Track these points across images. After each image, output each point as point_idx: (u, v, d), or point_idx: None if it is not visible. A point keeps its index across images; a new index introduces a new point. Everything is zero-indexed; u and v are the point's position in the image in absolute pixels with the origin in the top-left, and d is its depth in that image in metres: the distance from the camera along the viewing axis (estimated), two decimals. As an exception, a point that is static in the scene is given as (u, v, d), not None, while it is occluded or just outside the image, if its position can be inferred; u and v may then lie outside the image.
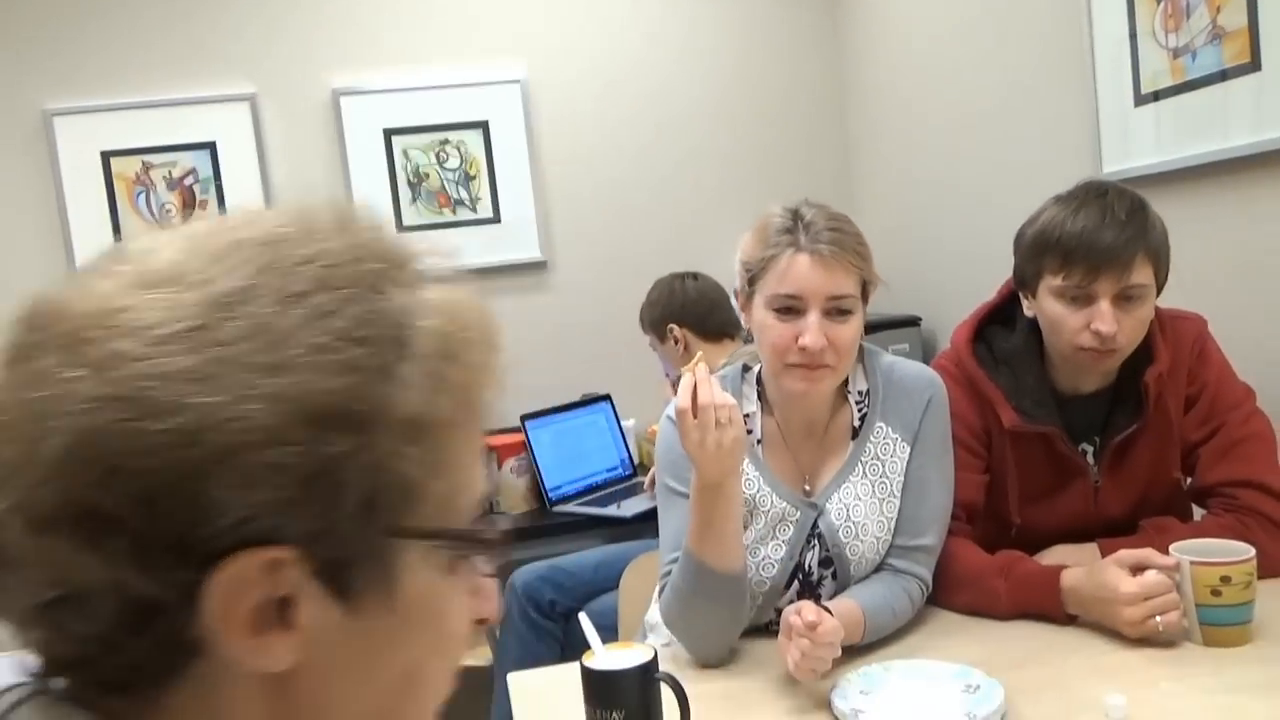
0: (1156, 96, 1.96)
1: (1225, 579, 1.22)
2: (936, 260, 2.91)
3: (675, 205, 3.35)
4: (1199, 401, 1.48)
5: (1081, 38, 2.13)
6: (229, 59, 3.11)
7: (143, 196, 3.07)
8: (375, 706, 0.50)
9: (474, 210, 3.23)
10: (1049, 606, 1.34)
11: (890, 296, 2.90)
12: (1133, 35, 1.99)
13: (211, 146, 3.09)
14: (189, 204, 3.09)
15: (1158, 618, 1.22)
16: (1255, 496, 1.41)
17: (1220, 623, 1.23)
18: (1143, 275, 1.37)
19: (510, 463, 2.72)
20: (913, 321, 2.95)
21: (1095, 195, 1.39)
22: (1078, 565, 1.35)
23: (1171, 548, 1.28)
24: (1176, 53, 1.88)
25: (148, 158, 3.07)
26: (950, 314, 2.88)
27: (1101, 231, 1.34)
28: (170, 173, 3.08)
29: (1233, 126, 1.77)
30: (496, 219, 3.24)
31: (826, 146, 3.44)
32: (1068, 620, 1.33)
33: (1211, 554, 1.24)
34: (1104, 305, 1.36)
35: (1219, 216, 1.83)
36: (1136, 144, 2.02)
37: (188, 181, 3.09)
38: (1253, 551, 1.25)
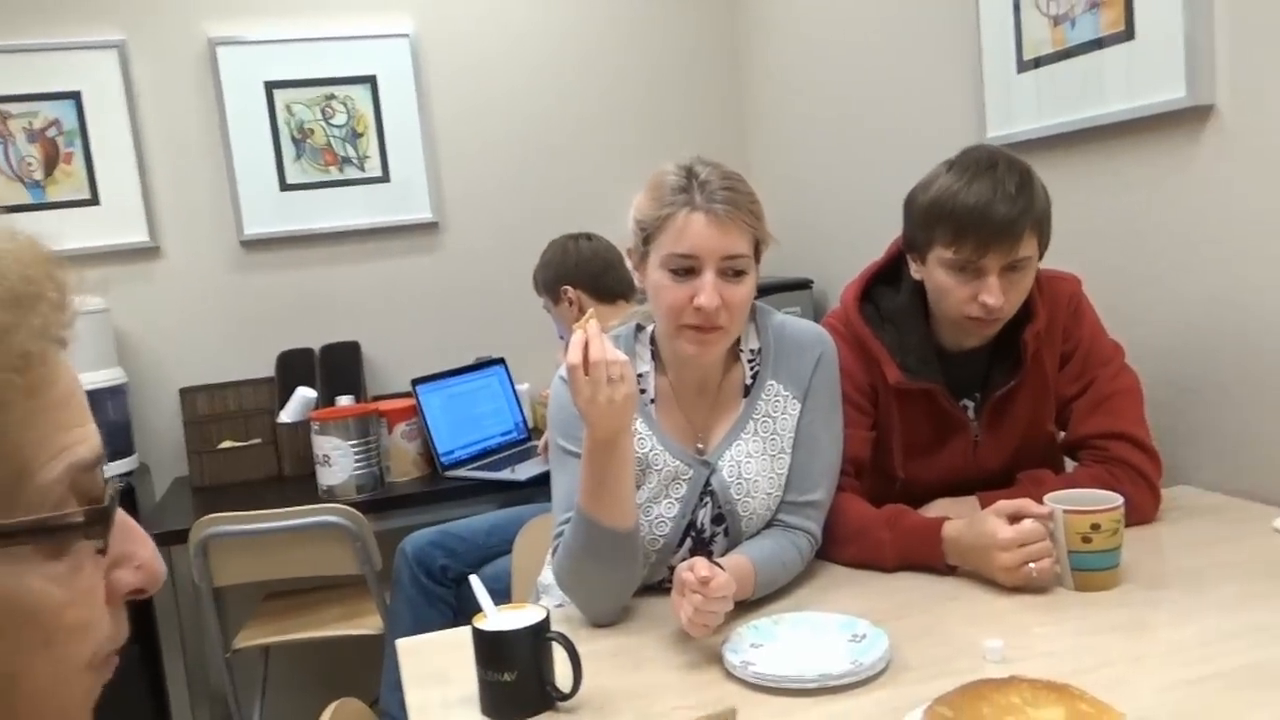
0: (1038, 63, 2.01)
1: (1096, 526, 1.27)
2: (828, 224, 2.95)
3: (569, 166, 3.31)
4: (1073, 358, 1.54)
5: (968, 5, 2.17)
6: (96, 2, 2.92)
7: (1, 149, 2.87)
8: None
9: (362, 169, 3.12)
10: (931, 556, 1.38)
11: (782, 259, 2.94)
12: (1017, 3, 2.03)
13: (76, 96, 2.90)
14: (52, 158, 2.91)
15: (1031, 564, 1.27)
16: (1123, 448, 1.49)
17: (1090, 568, 1.28)
18: (1029, 248, 1.42)
19: (400, 427, 2.66)
20: (804, 284, 2.99)
21: (986, 167, 1.41)
22: (958, 517, 1.39)
23: (1046, 497, 1.33)
24: (1057, 20, 1.93)
25: (6, 107, 2.86)
26: (841, 277, 2.92)
27: (993, 207, 1.37)
28: (31, 124, 2.88)
29: (1108, 93, 1.83)
30: (385, 178, 3.14)
31: (721, 109, 3.44)
32: (948, 571, 1.38)
33: (1083, 503, 1.30)
34: (992, 280, 1.41)
35: (1094, 180, 1.89)
36: (1019, 109, 2.07)
37: (50, 134, 2.90)
38: (1121, 500, 1.31)
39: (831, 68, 2.86)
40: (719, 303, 1.29)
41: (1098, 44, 1.84)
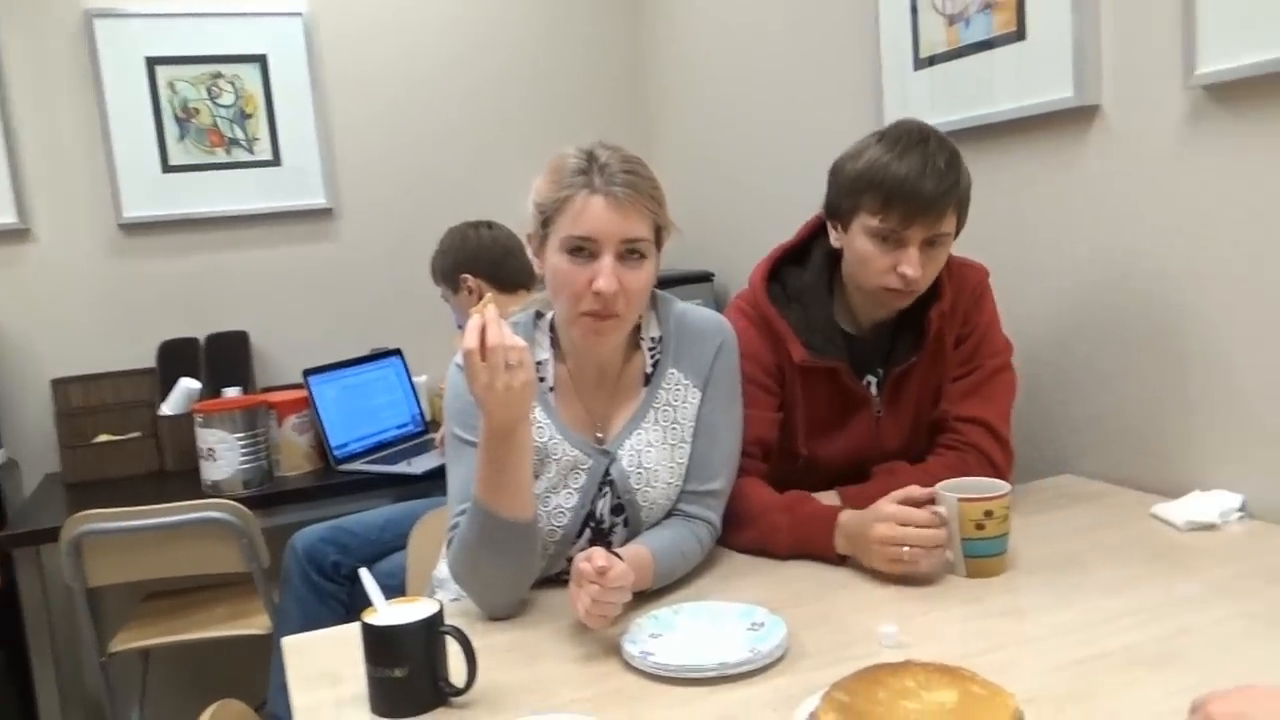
0: (932, 61, 2.05)
1: (989, 513, 1.30)
2: (730, 217, 2.97)
3: (469, 153, 3.25)
4: (966, 342, 1.59)
5: (868, 3, 2.20)
6: (-41, -32, 2.74)
7: None
8: None
9: (251, 151, 3.00)
10: (823, 544, 1.39)
11: (684, 252, 2.94)
12: (914, 3, 2.07)
13: (-62, 68, 2.72)
14: (-90, 132, 2.72)
15: (905, 548, 1.28)
16: (980, 434, 1.54)
17: (982, 554, 1.31)
18: (950, 224, 1.46)
19: (291, 420, 2.57)
20: (705, 277, 3.00)
21: (917, 141, 1.43)
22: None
23: (939, 487, 1.35)
24: (952, 20, 1.97)
25: None
26: (741, 270, 2.94)
27: (923, 180, 1.39)
28: (-114, 96, 2.69)
29: (1000, 92, 1.87)
30: (276, 162, 3.03)
31: (623, 103, 3.43)
32: (840, 561, 1.39)
33: (975, 491, 1.32)
34: (912, 251, 1.43)
35: (987, 176, 1.93)
36: (914, 107, 2.11)
37: (-90, 107, 2.72)
38: (1009, 487, 1.34)
39: (734, 62, 2.87)
40: (617, 287, 1.27)
41: (990, 44, 1.88)
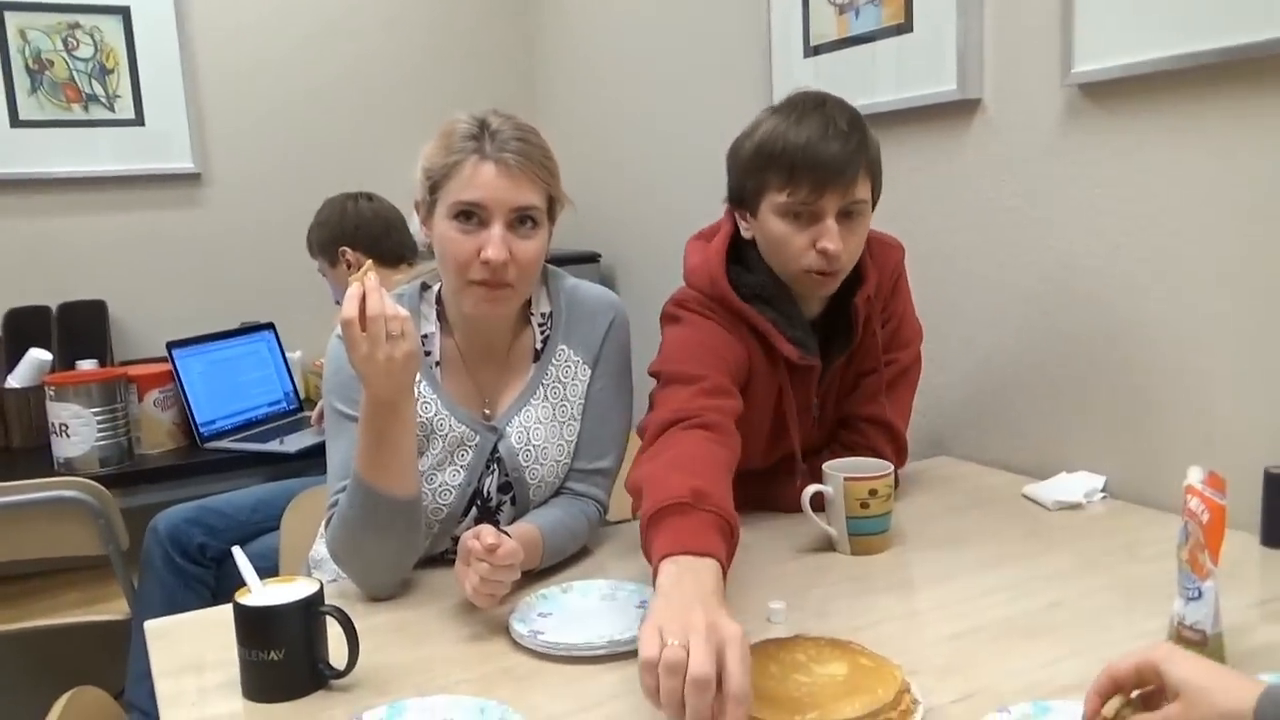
0: (820, 50, 2.08)
1: (873, 492, 1.32)
2: (618, 198, 2.95)
3: (349, 122, 3.14)
4: (883, 330, 1.51)
5: (759, -13, 2.22)
6: None
7: None
8: None
9: (111, 109, 2.82)
10: (657, 549, 1.01)
11: (571, 231, 2.91)
12: (806, -10, 2.09)
13: None
14: None
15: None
16: (881, 437, 1.51)
17: (866, 532, 1.34)
18: (864, 190, 1.34)
19: (153, 395, 2.43)
20: (593, 258, 2.99)
21: (814, 105, 1.33)
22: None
23: (825, 466, 1.36)
24: (842, 9, 2.00)
25: None
26: (629, 251, 2.95)
27: (827, 143, 1.29)
28: None
29: (885, 82, 1.91)
30: (139, 121, 2.86)
31: (511, 78, 3.37)
32: (653, 567, 1.02)
33: (859, 470, 1.35)
34: (830, 223, 1.32)
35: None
36: (803, 94, 2.14)
37: None
38: (892, 467, 1.37)
39: (624, 44, 2.85)
40: (507, 256, 1.23)
41: (878, 35, 1.92)
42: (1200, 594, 0.95)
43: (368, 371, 1.13)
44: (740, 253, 1.43)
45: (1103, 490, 1.53)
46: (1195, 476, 0.97)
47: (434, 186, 1.27)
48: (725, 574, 0.97)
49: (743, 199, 1.39)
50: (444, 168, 1.25)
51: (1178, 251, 1.45)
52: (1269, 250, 1.33)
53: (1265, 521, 1.30)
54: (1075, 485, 1.53)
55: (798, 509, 1.35)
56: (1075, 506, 1.49)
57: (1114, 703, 0.79)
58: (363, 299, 1.12)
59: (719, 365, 1.33)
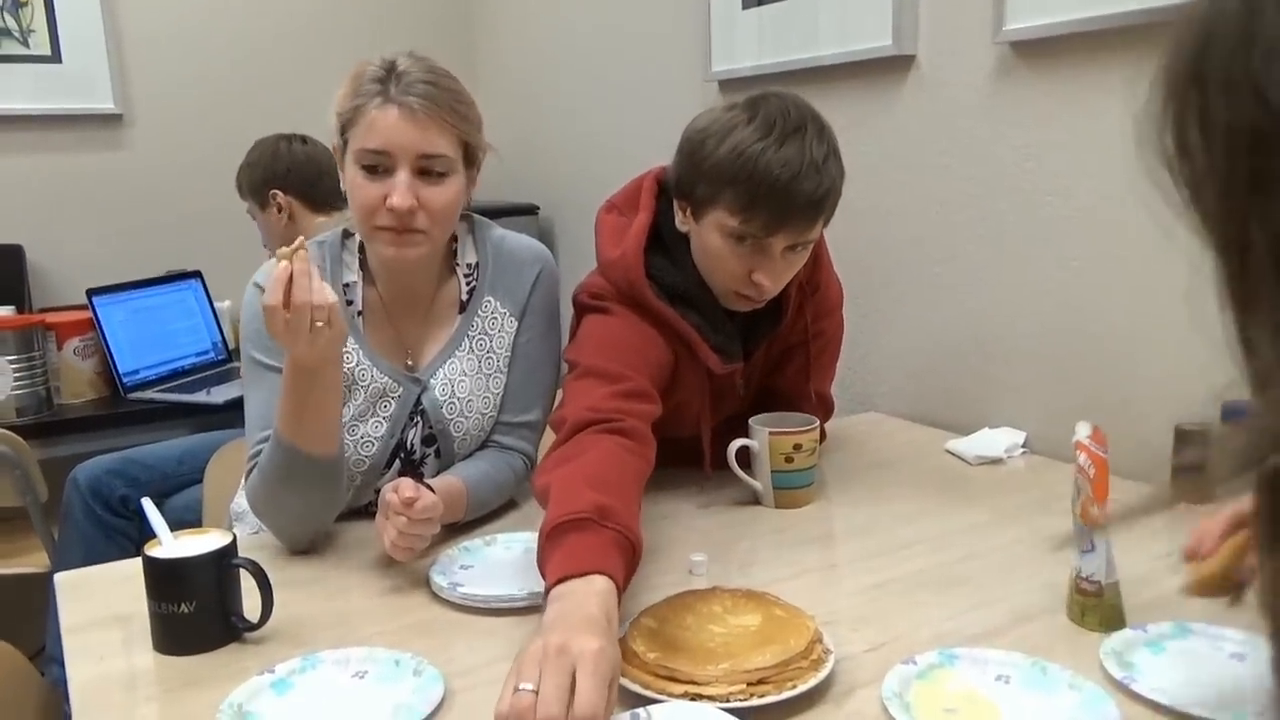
0: (760, 2, 2.05)
1: (797, 446, 1.33)
2: (556, 150, 2.91)
3: (281, 58, 3.03)
4: (810, 301, 1.44)
5: (699, -64, 2.18)
6: None
7: None
8: None
9: (26, 44, 2.70)
10: (551, 570, 0.93)
11: (509, 183, 2.87)
12: (745, -61, 2.06)
13: None
14: None
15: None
16: (805, 405, 1.45)
17: (790, 486, 1.35)
18: (817, 230, 1.25)
19: (73, 343, 2.35)
20: (530, 210, 2.95)
21: (794, 129, 1.19)
22: None
23: (750, 421, 1.37)
24: (780, -41, 1.98)
25: None
26: (567, 203, 2.92)
27: (798, 183, 1.17)
28: None
29: (823, 37, 1.90)
30: (56, 58, 2.74)
31: (450, 28, 3.29)
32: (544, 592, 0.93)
33: (784, 425, 1.35)
34: (773, 258, 1.23)
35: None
36: (741, 47, 2.11)
37: None
38: (817, 421, 1.38)
39: (564, -12, 2.80)
40: (412, 204, 1.20)
41: (816, -13, 1.90)
42: (1094, 546, 0.98)
43: (289, 343, 1.10)
44: (663, 237, 1.33)
45: (1023, 446, 1.57)
46: (1083, 432, 0.99)
47: (343, 130, 1.24)
48: (622, 589, 0.92)
49: (689, 196, 1.27)
50: (350, 111, 1.22)
51: (1102, 213, 1.47)
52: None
53: (1174, 477, 1.34)
54: (997, 441, 1.56)
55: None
56: (996, 461, 1.52)
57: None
58: (290, 281, 1.07)
59: (641, 366, 1.25)
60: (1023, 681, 0.87)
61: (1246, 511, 0.75)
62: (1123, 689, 0.85)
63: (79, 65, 2.76)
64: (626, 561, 0.96)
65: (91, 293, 2.41)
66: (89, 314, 2.39)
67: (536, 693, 0.74)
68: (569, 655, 0.77)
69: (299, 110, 2.69)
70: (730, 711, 0.80)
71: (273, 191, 2.27)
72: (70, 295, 2.73)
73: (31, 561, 2.18)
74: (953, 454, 1.56)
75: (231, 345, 2.80)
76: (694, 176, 1.24)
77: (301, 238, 1.12)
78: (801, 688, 0.84)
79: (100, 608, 1.11)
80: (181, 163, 2.93)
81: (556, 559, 0.93)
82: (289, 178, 2.27)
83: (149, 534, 1.06)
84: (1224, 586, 0.81)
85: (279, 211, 2.27)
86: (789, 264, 1.26)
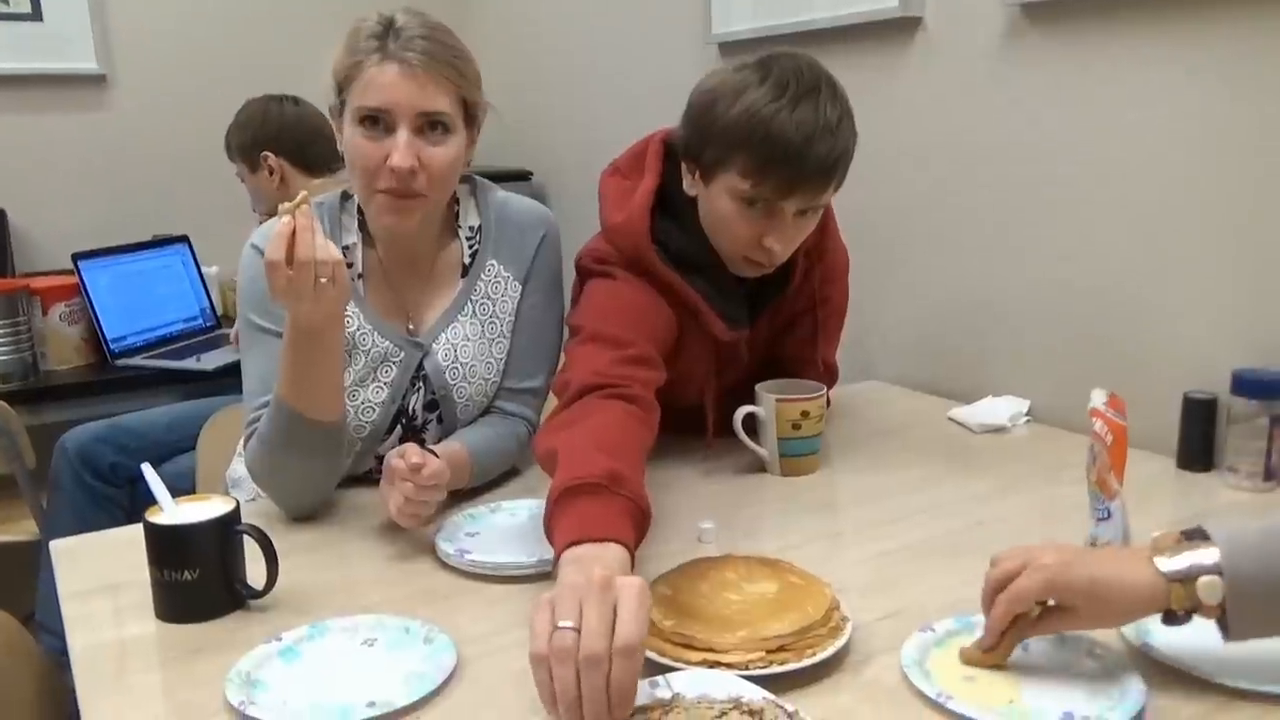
0: (762, -37, 2.02)
1: (805, 413, 1.32)
2: (550, 115, 2.87)
3: (271, 16, 2.97)
4: (818, 268, 1.40)
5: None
6: None
7: None
8: None
9: (5, 2, 2.63)
10: (560, 535, 0.90)
11: (503, 148, 2.83)
12: (746, -102, 2.02)
13: None
14: None
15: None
16: (812, 373, 1.44)
17: (797, 453, 1.34)
18: (830, 194, 1.23)
19: (59, 309, 2.32)
20: (524, 175, 2.91)
21: (808, 89, 1.16)
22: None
23: (757, 387, 1.35)
24: (784, -81, 1.94)
25: None
26: (561, 169, 2.88)
27: (811, 145, 1.14)
28: None
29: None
30: (36, 16, 2.67)
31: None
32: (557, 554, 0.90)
33: (791, 392, 1.34)
34: (785, 222, 1.20)
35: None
36: (739, 9, 2.08)
37: None
38: (824, 388, 1.37)
39: (558, -52, 2.75)
40: (414, 163, 1.17)
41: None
42: (1109, 514, 0.97)
43: (291, 304, 1.07)
44: (670, 201, 1.30)
45: (1027, 414, 1.56)
46: (1098, 399, 0.98)
47: (340, 89, 1.20)
48: (632, 562, 0.87)
49: (697, 159, 1.23)
50: (348, 69, 1.19)
51: (1108, 179, 1.45)
52: (1200, 179, 1.34)
53: (1182, 445, 1.33)
54: (1000, 409, 1.55)
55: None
56: (1000, 430, 1.52)
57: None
58: (293, 237, 1.04)
59: (646, 332, 1.23)
60: (1041, 649, 0.86)
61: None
62: (1142, 656, 0.85)
63: (60, 23, 2.70)
64: (638, 530, 0.94)
65: (77, 257, 2.37)
66: (74, 279, 2.35)
67: (577, 631, 0.71)
68: (613, 589, 0.74)
69: (289, 69, 2.64)
70: (748, 679, 0.79)
71: (264, 153, 2.23)
72: (54, 260, 2.68)
73: (20, 529, 2.15)
74: (956, 422, 1.55)
75: (220, 311, 2.76)
76: (703, 139, 1.21)
77: (305, 192, 1.10)
78: (821, 655, 0.83)
79: (98, 575, 1.09)
80: (167, 124, 2.87)
81: (567, 523, 0.90)
82: (280, 139, 2.23)
83: (141, 501, 1.04)
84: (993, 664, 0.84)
85: (270, 174, 2.23)
86: (800, 228, 1.24)
